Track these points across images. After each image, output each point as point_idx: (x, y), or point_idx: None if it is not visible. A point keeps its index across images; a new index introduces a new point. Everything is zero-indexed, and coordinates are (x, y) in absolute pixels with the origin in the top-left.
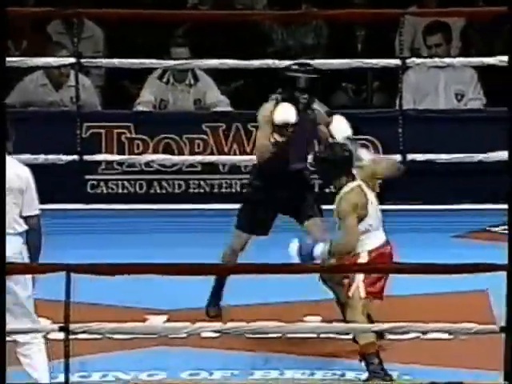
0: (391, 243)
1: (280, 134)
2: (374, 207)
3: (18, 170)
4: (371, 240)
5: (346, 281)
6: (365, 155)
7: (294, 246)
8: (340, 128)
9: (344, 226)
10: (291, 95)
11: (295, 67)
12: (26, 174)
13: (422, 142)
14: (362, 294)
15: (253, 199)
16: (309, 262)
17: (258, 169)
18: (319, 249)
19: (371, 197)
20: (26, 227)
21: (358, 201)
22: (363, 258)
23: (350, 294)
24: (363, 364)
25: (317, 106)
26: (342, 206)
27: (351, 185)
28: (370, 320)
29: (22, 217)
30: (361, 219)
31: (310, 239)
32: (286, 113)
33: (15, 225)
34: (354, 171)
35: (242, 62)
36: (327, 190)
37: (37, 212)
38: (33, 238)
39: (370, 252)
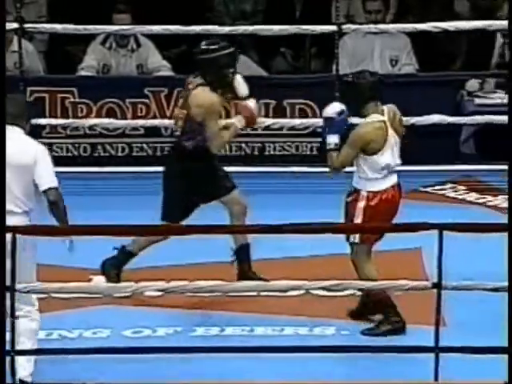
0: (399, 187)
1: (249, 123)
2: (394, 147)
3: (25, 147)
4: (377, 183)
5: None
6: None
7: (336, 108)
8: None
9: (342, 151)
10: (218, 74)
11: (214, 47)
12: (34, 149)
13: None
14: (357, 239)
15: (172, 187)
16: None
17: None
18: (332, 139)
19: (391, 136)
20: (30, 206)
21: (371, 135)
22: (362, 200)
23: (351, 240)
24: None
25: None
26: (352, 137)
27: (373, 117)
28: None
29: (40, 193)
30: (375, 153)
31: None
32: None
33: (19, 203)
34: (385, 108)
35: (183, 28)
36: None
37: (52, 185)
38: (53, 213)
39: (368, 193)
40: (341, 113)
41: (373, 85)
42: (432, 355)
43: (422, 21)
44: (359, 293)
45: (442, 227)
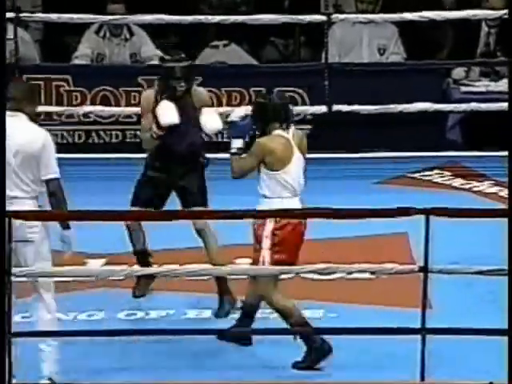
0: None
1: (160, 129)
2: (298, 169)
3: (34, 135)
4: (283, 205)
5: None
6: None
7: (240, 113)
8: (210, 121)
9: (243, 158)
10: (168, 84)
11: (169, 58)
12: (43, 137)
13: (346, 93)
14: (267, 263)
15: (148, 177)
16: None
17: (154, 152)
18: (235, 143)
19: (296, 156)
20: (39, 190)
21: (272, 146)
22: (270, 222)
23: (259, 264)
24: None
25: (198, 89)
26: (254, 146)
27: (277, 132)
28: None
29: (42, 181)
30: (277, 169)
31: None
32: (169, 115)
33: (28, 189)
34: (290, 130)
35: (176, 18)
36: None
37: (54, 175)
38: (52, 203)
39: (276, 222)
40: (244, 117)
41: (277, 107)
42: (418, 337)
43: (409, 10)
44: (348, 276)
45: (428, 212)
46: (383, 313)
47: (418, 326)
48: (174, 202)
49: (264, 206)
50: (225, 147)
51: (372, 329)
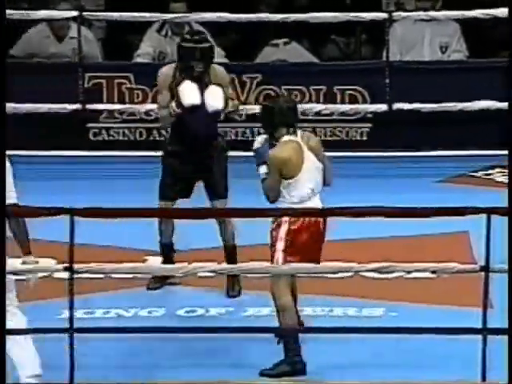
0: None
1: (180, 108)
2: (313, 171)
3: None
4: (299, 207)
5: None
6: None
7: (260, 140)
8: (210, 99)
9: (269, 181)
10: (187, 65)
11: (190, 38)
12: None
13: (407, 91)
14: (280, 263)
15: (171, 166)
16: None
17: (172, 135)
18: (261, 170)
19: (310, 159)
20: None
21: (285, 155)
22: (284, 224)
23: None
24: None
25: (216, 67)
26: (270, 159)
27: (287, 138)
28: (294, 294)
29: None
30: (292, 176)
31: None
32: (191, 96)
33: None
34: (298, 132)
35: (237, 16)
36: None
37: (12, 201)
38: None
39: (290, 224)
40: (264, 143)
41: (284, 111)
42: (479, 337)
43: (471, 7)
44: (408, 275)
45: (489, 211)
46: (444, 312)
47: (478, 325)
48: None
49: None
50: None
51: (432, 328)
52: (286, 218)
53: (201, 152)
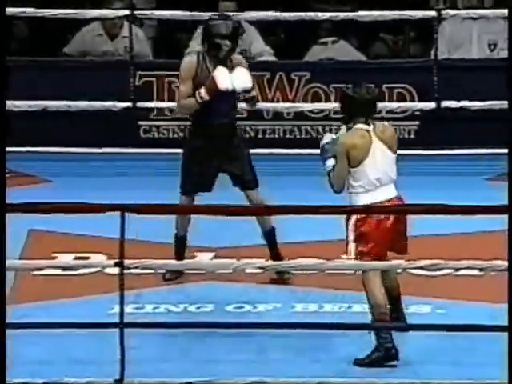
0: (399, 199)
1: (210, 94)
2: (382, 159)
3: None
4: (367, 197)
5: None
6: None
7: (328, 137)
8: (239, 78)
9: (337, 167)
10: (214, 43)
11: (216, 17)
12: None
13: (455, 89)
14: (353, 255)
15: (192, 161)
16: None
17: (192, 129)
18: (329, 162)
19: (379, 148)
20: None
21: (353, 141)
22: (352, 219)
23: (346, 256)
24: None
25: (237, 56)
26: (338, 146)
27: (356, 126)
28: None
29: None
30: (358, 163)
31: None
32: (227, 80)
33: None
34: (376, 124)
35: (286, 14)
36: None
37: None
38: None
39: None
40: (333, 140)
41: (366, 102)
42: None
43: None
44: (456, 272)
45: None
46: (491, 310)
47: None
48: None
49: (353, 201)
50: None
51: (480, 326)
52: (359, 203)
53: (224, 142)
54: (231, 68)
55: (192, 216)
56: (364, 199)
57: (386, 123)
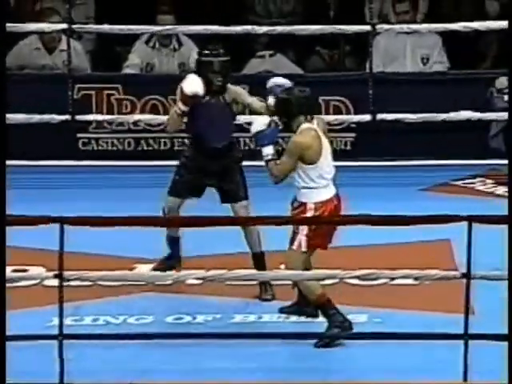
0: (339, 196)
1: (185, 104)
2: (329, 156)
3: None
4: (321, 193)
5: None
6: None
7: (262, 123)
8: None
9: (281, 161)
10: (206, 77)
11: (208, 52)
12: None
13: (390, 102)
14: (304, 248)
15: (185, 165)
16: (260, 142)
17: (191, 142)
18: (268, 150)
19: (326, 145)
20: None
21: (307, 140)
22: (310, 211)
23: (294, 247)
24: (321, 314)
25: (231, 86)
26: (290, 144)
27: (305, 126)
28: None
29: None
30: (313, 161)
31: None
32: (193, 84)
33: None
34: (314, 119)
35: (224, 28)
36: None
37: None
38: None
39: (315, 204)
40: (269, 125)
41: (301, 100)
42: (461, 342)
43: (452, 20)
44: (392, 282)
45: (471, 219)
46: (426, 318)
47: (460, 331)
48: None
49: (304, 197)
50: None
51: (415, 334)
52: (310, 205)
53: (217, 159)
54: (226, 100)
55: (132, 228)
56: (320, 195)
57: (319, 116)
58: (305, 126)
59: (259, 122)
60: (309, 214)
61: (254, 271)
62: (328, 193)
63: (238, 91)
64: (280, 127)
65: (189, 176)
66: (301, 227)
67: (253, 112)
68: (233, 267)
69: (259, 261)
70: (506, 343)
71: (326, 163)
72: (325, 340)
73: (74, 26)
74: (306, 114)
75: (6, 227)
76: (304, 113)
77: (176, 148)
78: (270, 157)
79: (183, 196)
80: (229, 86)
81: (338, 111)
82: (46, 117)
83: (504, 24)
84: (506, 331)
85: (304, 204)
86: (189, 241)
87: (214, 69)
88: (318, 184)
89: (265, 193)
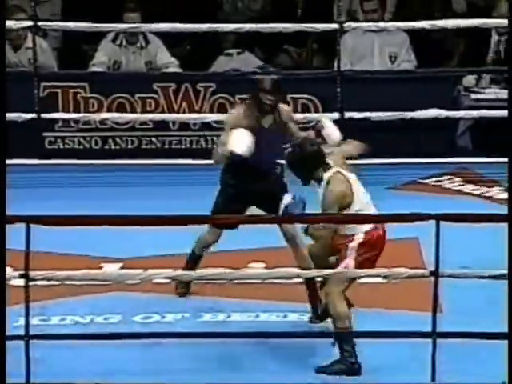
0: (383, 225)
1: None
2: (358, 190)
3: None
4: (359, 231)
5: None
6: (333, 136)
7: (288, 198)
8: (331, 133)
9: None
10: (256, 97)
11: (259, 70)
12: None
13: (358, 100)
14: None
15: (226, 195)
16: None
17: (231, 168)
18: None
19: (353, 180)
20: None
21: (343, 188)
22: (358, 240)
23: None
24: (336, 345)
25: (282, 106)
26: (328, 199)
27: (330, 173)
28: (348, 302)
29: None
30: (347, 206)
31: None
32: (240, 146)
33: None
34: (328, 161)
35: (191, 26)
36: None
37: None
38: None
39: (365, 233)
40: (293, 197)
41: (314, 153)
42: (429, 340)
43: (420, 18)
44: (360, 280)
45: (439, 217)
46: (394, 317)
47: (428, 329)
48: None
49: (354, 230)
50: None
51: (383, 332)
52: (359, 236)
53: (264, 185)
54: (275, 119)
55: (99, 227)
56: (363, 227)
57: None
58: (328, 174)
59: (285, 200)
60: (355, 242)
61: (221, 270)
62: (365, 228)
63: (289, 117)
64: (305, 200)
65: (230, 207)
66: (349, 251)
67: None
68: (200, 266)
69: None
70: (474, 341)
71: (359, 197)
72: (327, 371)
73: (39, 24)
74: (323, 164)
75: (5, 227)
76: (320, 164)
77: (143, 147)
78: (305, 226)
79: (225, 227)
80: (284, 107)
81: (306, 109)
82: (12, 115)
83: (471, 22)
84: (474, 329)
85: (351, 235)
86: (158, 240)
87: (265, 87)
88: (361, 227)
89: None
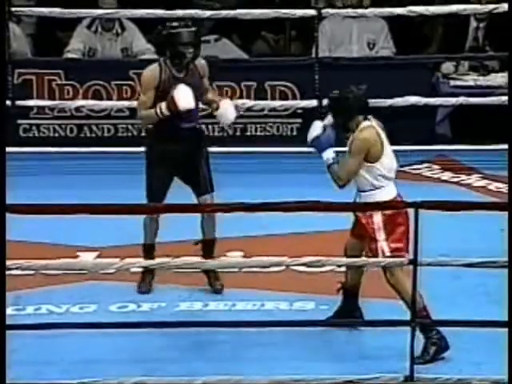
0: (401, 196)
1: (171, 111)
2: (390, 154)
3: None
4: (387, 192)
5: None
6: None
7: (318, 127)
8: (226, 114)
9: (346, 162)
10: (177, 51)
11: (176, 24)
12: None
13: (336, 87)
14: (387, 252)
15: (151, 165)
16: (318, 147)
17: (151, 131)
18: (328, 154)
19: (387, 143)
20: None
21: (374, 137)
22: (376, 218)
23: (379, 256)
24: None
25: (200, 60)
26: (356, 142)
27: (366, 123)
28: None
29: None
30: (377, 159)
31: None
32: (188, 100)
33: None
34: (373, 119)
35: (167, 12)
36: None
37: None
38: None
39: (384, 214)
40: (324, 128)
41: (359, 98)
42: (408, 328)
43: (398, 5)
44: (338, 269)
45: (417, 205)
46: (374, 305)
47: (407, 318)
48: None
49: (370, 198)
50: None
51: (362, 321)
52: (379, 215)
53: (190, 145)
54: (199, 74)
55: (75, 216)
56: (387, 194)
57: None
58: (365, 124)
59: (314, 127)
60: (376, 217)
61: (197, 259)
62: (392, 191)
63: (205, 71)
64: (336, 129)
65: (160, 178)
66: (377, 234)
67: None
68: (178, 255)
69: (209, 247)
70: (453, 329)
71: (387, 162)
72: (425, 357)
73: (13, 9)
74: (365, 112)
75: (5, 227)
76: (363, 111)
77: (120, 134)
78: (331, 161)
79: (162, 199)
80: (202, 62)
81: (284, 96)
82: None
83: (449, 9)
84: (452, 317)
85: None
86: (133, 228)
87: (183, 40)
88: (382, 183)
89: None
